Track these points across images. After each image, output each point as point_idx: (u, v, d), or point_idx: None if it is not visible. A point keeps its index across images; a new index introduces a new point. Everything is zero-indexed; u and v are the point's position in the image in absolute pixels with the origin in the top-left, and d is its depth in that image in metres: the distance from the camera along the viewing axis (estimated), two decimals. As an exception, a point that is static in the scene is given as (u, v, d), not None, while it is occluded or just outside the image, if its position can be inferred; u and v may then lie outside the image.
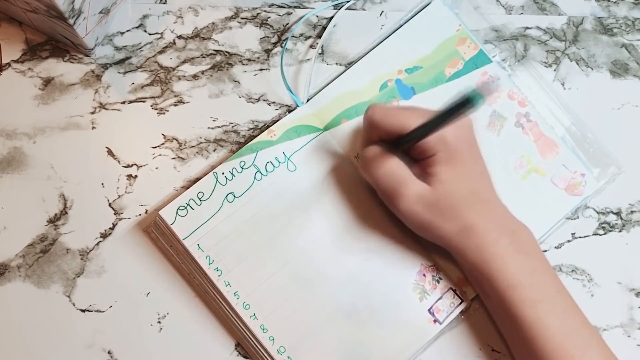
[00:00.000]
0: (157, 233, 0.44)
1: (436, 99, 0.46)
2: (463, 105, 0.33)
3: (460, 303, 0.43)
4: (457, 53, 0.47)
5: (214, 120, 0.46)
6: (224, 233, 0.43)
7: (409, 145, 0.40)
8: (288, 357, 0.42)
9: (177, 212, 0.43)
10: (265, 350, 0.42)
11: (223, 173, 0.44)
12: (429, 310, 0.43)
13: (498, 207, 0.40)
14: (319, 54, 0.48)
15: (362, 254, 0.44)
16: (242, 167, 0.44)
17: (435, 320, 0.43)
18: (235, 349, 0.44)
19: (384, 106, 0.41)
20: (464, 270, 0.42)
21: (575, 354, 0.37)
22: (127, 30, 0.47)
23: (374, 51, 0.47)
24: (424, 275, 0.44)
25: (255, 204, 0.44)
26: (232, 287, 0.42)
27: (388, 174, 0.39)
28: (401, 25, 0.48)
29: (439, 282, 0.44)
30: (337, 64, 0.48)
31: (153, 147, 0.46)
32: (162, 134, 0.46)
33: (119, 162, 0.46)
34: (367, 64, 0.47)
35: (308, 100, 0.46)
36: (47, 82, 0.46)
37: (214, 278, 0.42)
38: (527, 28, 0.49)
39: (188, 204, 0.43)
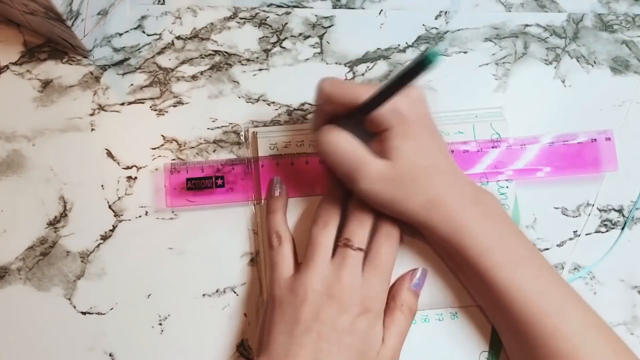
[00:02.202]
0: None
1: None
2: (420, 66, 0.32)
3: None
4: None
5: (213, 121, 0.46)
6: None
7: (364, 116, 0.38)
8: None
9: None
10: None
11: None
12: None
13: (460, 177, 0.40)
14: (318, 53, 0.48)
15: None
16: None
17: None
18: (237, 349, 0.43)
19: (336, 78, 0.40)
20: (433, 245, 0.42)
21: (551, 312, 0.37)
22: (126, 32, 0.47)
23: None
24: None
25: None
26: None
27: (346, 155, 0.38)
28: None
29: None
30: (336, 63, 0.48)
31: (153, 149, 0.46)
32: (162, 135, 0.46)
33: (118, 163, 0.45)
34: None
35: None
36: (46, 84, 0.46)
37: None
38: (527, 25, 0.49)
39: None
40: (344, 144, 0.39)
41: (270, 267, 0.41)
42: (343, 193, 0.42)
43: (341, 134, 0.39)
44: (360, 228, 0.40)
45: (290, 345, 0.37)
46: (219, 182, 0.44)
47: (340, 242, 0.40)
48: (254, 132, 0.45)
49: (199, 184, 0.44)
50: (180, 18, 0.48)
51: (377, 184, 0.38)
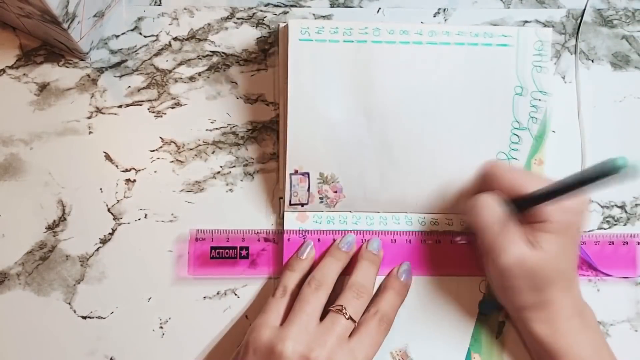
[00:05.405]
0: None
1: None
2: (604, 172, 0.31)
3: None
4: None
5: (212, 122, 0.46)
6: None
7: (529, 207, 0.38)
8: None
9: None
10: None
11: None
12: None
13: (576, 286, 0.41)
14: (317, 52, 0.47)
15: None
16: None
17: None
18: (239, 352, 0.43)
19: (505, 164, 0.43)
20: (526, 342, 0.42)
21: None
22: (122, 33, 0.47)
23: None
24: None
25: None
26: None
27: (497, 225, 0.39)
28: None
29: None
30: (335, 62, 0.47)
31: (151, 151, 0.46)
32: (160, 137, 0.46)
33: (117, 166, 0.45)
34: None
35: None
36: (43, 87, 0.46)
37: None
38: (526, 22, 0.49)
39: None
40: (498, 213, 0.39)
41: (261, 311, 0.40)
42: (347, 258, 0.42)
43: (498, 204, 0.39)
44: (357, 299, 0.40)
45: None
46: (243, 252, 0.44)
47: (333, 308, 0.39)
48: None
49: (223, 254, 0.44)
50: (177, 19, 0.47)
51: (514, 266, 0.38)
